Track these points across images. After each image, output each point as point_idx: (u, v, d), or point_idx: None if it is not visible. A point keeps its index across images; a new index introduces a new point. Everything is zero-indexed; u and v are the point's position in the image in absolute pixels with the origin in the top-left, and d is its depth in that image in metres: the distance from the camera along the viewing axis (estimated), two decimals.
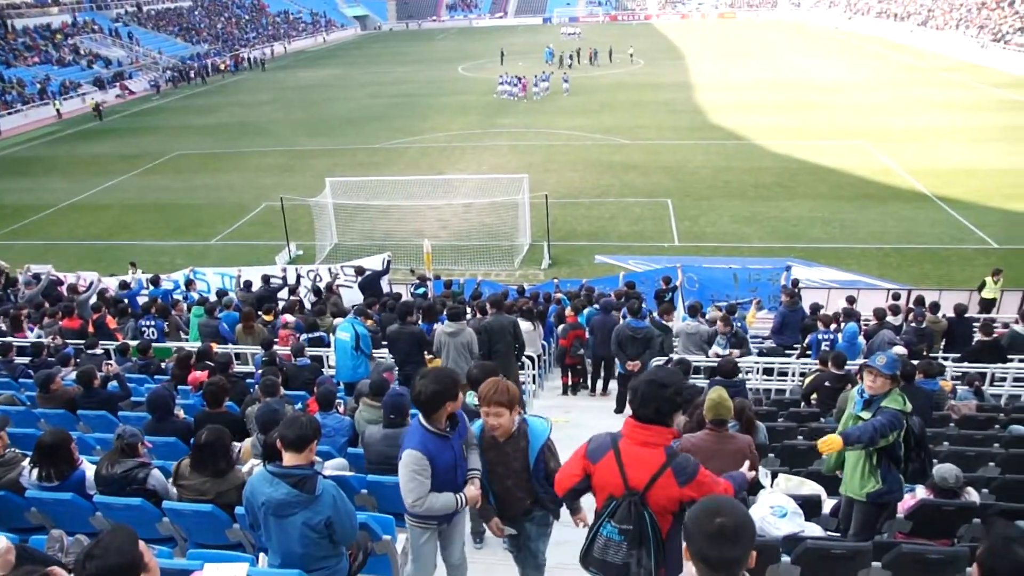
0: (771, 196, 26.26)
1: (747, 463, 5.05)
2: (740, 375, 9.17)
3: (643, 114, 40.45)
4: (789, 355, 12.41)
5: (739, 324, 12.03)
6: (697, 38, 75.18)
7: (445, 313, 9.59)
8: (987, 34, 56.92)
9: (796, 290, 14.59)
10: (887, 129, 34.95)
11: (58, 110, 48.40)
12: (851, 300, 14.21)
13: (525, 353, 10.93)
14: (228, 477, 5.53)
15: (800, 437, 7.95)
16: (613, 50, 61.38)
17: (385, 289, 15.93)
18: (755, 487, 6.12)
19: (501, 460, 4.75)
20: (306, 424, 4.43)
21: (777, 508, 5.39)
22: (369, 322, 10.85)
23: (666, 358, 11.01)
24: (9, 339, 11.05)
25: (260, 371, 9.11)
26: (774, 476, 6.59)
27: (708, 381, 9.64)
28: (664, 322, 11.36)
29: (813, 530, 5.43)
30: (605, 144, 34.47)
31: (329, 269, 16.70)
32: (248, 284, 15.66)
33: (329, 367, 10.96)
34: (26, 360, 10.43)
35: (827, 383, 9.15)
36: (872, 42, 67.61)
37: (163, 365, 10.44)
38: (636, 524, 3.65)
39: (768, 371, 11.57)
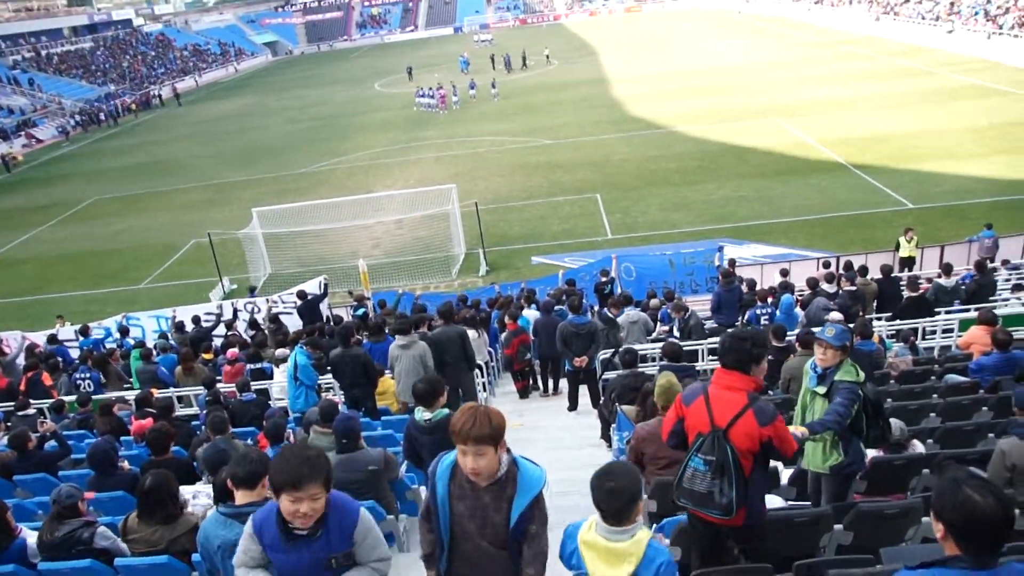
0: (696, 180, 26.80)
1: (799, 429, 5.15)
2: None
3: (562, 113, 40.87)
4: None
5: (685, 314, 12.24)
6: (606, 34, 76.37)
7: (391, 329, 9.52)
8: (878, 7, 59.20)
9: (732, 269, 14.89)
10: (797, 104, 36.07)
11: None
12: (784, 273, 14.60)
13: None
14: (179, 522, 5.37)
15: None
16: (527, 53, 61.76)
17: (324, 313, 15.73)
18: None
19: (478, 512, 3.62)
20: (256, 460, 4.34)
21: None
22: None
23: (612, 350, 11.12)
24: None
25: (205, 411, 8.91)
26: None
27: (657, 368, 9.78)
28: (611, 315, 11.45)
29: (774, 502, 5.52)
30: (529, 146, 34.70)
31: (266, 299, 16.42)
32: (181, 325, 15.29)
33: (276, 399, 10.77)
34: None
35: (769, 356, 9.34)
36: (773, 23, 69.78)
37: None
38: (718, 455, 4.20)
39: (713, 351, 11.78)
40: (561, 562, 3.75)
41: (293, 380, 9.62)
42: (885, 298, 12.91)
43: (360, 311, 14.83)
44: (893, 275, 13.46)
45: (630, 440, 6.40)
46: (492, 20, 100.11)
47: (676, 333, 11.78)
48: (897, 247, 16.89)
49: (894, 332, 11.16)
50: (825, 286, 12.53)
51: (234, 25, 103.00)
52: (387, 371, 10.24)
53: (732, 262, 16.12)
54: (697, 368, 10.69)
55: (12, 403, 10.24)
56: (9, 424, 9.45)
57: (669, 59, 54.85)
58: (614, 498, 3.45)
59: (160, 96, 69.08)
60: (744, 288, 13.80)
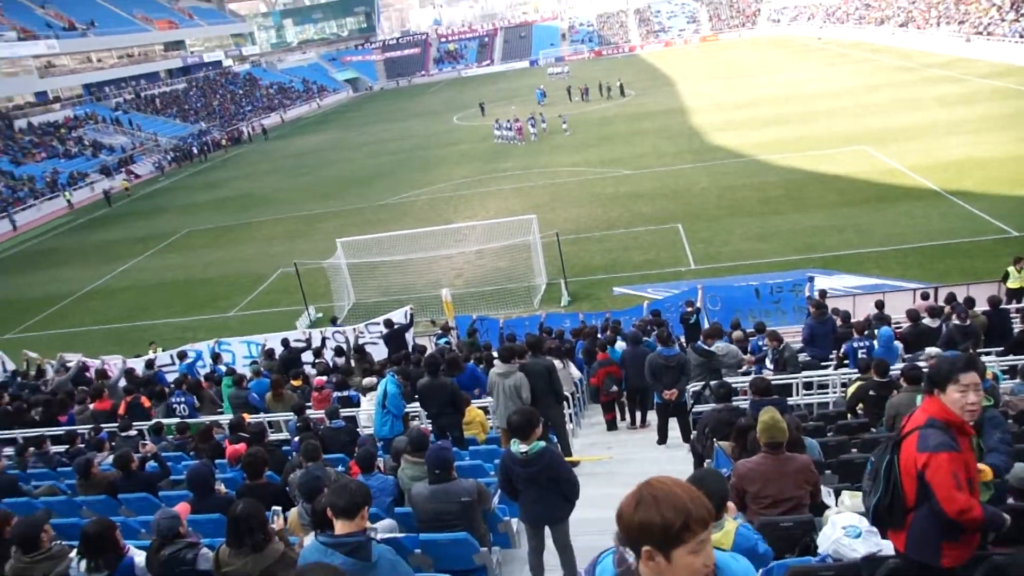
0: (781, 210, 26.19)
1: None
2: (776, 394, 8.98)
3: (641, 143, 40.66)
4: (825, 367, 12.19)
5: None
6: (683, 64, 75.96)
7: (498, 354, 9.51)
8: (969, 28, 57.24)
9: (823, 300, 14.39)
10: (886, 130, 34.97)
11: (69, 201, 49.17)
12: (879, 304, 14.01)
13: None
14: (267, 551, 5.39)
15: (855, 450, 7.71)
16: (602, 84, 61.86)
17: (409, 342, 15.86)
18: (820, 507, 5.92)
19: None
20: (356, 490, 4.32)
21: (850, 528, 5.16)
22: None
23: (702, 383, 10.84)
24: (43, 431, 11.01)
25: (296, 437, 9.03)
26: (837, 494, 6.36)
27: (749, 402, 9.46)
28: (706, 347, 11.14)
29: (891, 548, 5.20)
30: (608, 177, 34.59)
31: (353, 329, 16.67)
32: (271, 352, 15.63)
33: (363, 427, 10.84)
34: (61, 449, 10.38)
35: (872, 392, 8.94)
36: (855, 48, 68.14)
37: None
38: (879, 459, 4.27)
39: (807, 385, 11.36)
40: None
41: (381, 408, 9.67)
42: (994, 332, 12.24)
43: (443, 340, 14.90)
44: (1002, 307, 12.76)
45: (730, 477, 6.17)
46: (567, 52, 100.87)
47: (770, 365, 11.40)
48: (1005, 277, 16.03)
49: (1007, 368, 10.54)
50: (928, 320, 11.95)
51: (316, 63, 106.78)
52: (474, 400, 10.25)
53: (823, 293, 15.58)
54: (790, 403, 10.34)
55: (116, 424, 10.60)
56: (113, 444, 9.76)
57: (748, 88, 54.08)
58: (708, 499, 3.42)
59: (249, 132, 71.77)
60: (838, 320, 13.31)
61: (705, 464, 7.83)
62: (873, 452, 4.35)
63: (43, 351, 19.12)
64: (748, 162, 33.49)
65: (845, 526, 5.31)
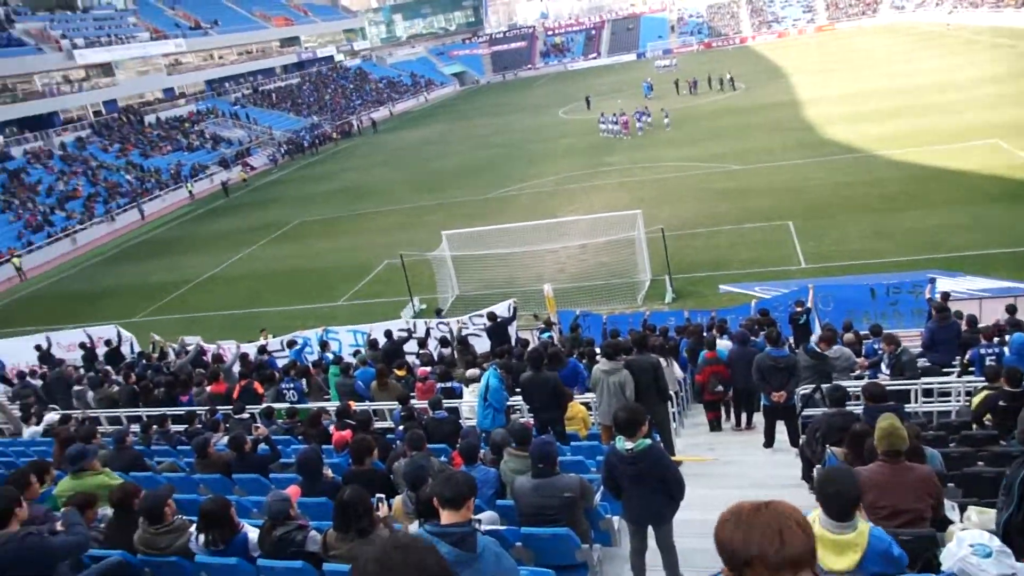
0: (900, 207, 24.90)
1: None
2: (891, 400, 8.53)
3: (751, 137, 39.49)
4: (947, 373, 11.50)
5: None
6: (797, 55, 73.31)
7: (603, 350, 9.44)
8: None
9: (946, 303, 13.58)
10: (1022, 122, 32.65)
11: (190, 192, 51.95)
12: (1011, 309, 13.11)
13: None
14: (372, 537, 5.48)
15: (981, 463, 7.23)
16: (711, 77, 60.32)
17: (512, 334, 15.91)
18: (943, 522, 5.58)
19: None
20: (462, 481, 4.33)
21: (979, 547, 4.82)
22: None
23: (813, 386, 10.44)
24: (165, 410, 11.62)
25: (401, 426, 9.18)
26: (963, 509, 5.97)
27: (863, 408, 9.03)
28: (819, 350, 10.71)
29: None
30: (716, 171, 33.78)
31: (457, 320, 16.86)
32: (375, 342, 15.94)
33: (465, 419, 10.94)
34: (181, 428, 10.92)
35: (1002, 402, 8.36)
36: (987, 33, 63.94)
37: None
38: (1014, 473, 4.32)
39: (927, 392, 10.75)
40: None
41: (483, 401, 9.72)
42: None
43: (546, 334, 14.87)
44: None
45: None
46: (675, 45, 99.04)
47: (886, 370, 10.84)
48: None
49: None
50: None
51: (424, 58, 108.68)
52: (576, 396, 10.18)
53: (945, 295, 14.68)
54: (908, 410, 9.81)
55: (231, 407, 11.08)
56: (227, 426, 10.20)
57: (867, 79, 51.63)
58: (838, 500, 4.03)
59: (359, 125, 73.79)
60: (963, 324, 12.53)
61: (814, 471, 7.52)
62: (1009, 466, 4.04)
63: (165, 334, 20.24)
64: (865, 157, 32.01)
65: (973, 544, 4.96)
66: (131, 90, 66.27)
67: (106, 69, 63.06)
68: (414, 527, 5.55)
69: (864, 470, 5.59)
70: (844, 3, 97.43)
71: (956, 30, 70.73)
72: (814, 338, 14.00)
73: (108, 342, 17.99)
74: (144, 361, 16.85)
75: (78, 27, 61.54)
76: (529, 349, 12.16)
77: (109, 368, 15.53)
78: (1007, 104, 36.70)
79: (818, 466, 7.50)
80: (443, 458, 8.07)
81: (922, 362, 12.27)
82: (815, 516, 4.16)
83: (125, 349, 18.19)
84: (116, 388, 13.21)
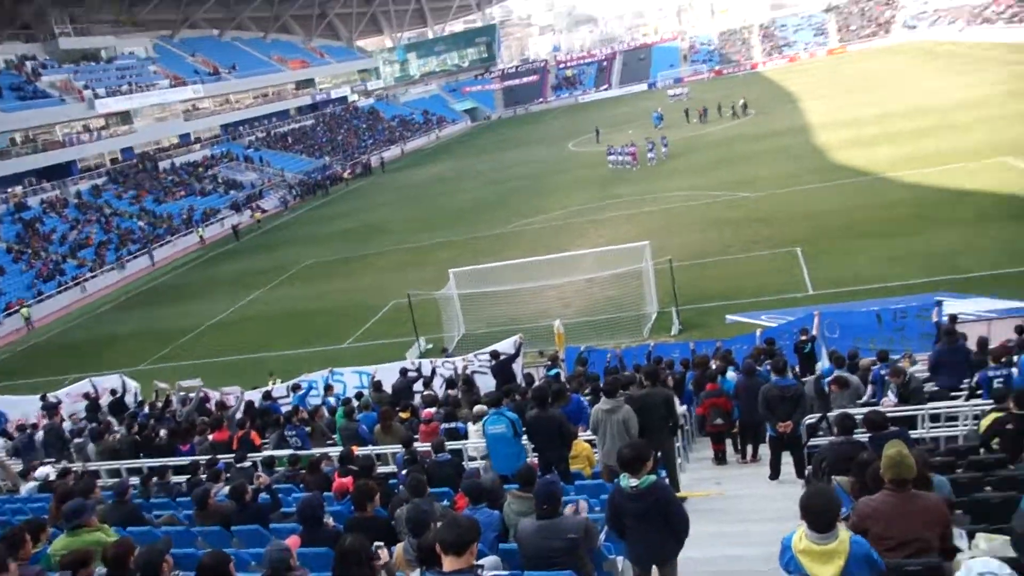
0: (911, 230, 24.74)
1: None
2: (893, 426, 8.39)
3: (760, 164, 39.51)
4: (955, 397, 11.31)
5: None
6: (808, 79, 73.46)
7: (603, 388, 9.35)
8: None
9: (953, 326, 13.40)
10: None
11: (201, 236, 52.42)
12: (1020, 330, 12.92)
13: None
14: None
15: (989, 489, 7.07)
16: (722, 104, 60.49)
17: (517, 372, 15.82)
18: (951, 550, 5.45)
19: None
20: (465, 526, 4.29)
21: (988, 575, 4.70)
22: None
23: (819, 415, 10.31)
24: (166, 460, 11.59)
25: (404, 471, 9.10)
26: (971, 536, 5.84)
27: (868, 437, 8.88)
28: (833, 392, 10.62)
29: None
30: (725, 200, 33.78)
31: (462, 359, 16.79)
32: (379, 384, 15.84)
33: (468, 459, 10.85)
34: (183, 479, 10.87)
35: (1010, 425, 8.19)
36: (998, 49, 63.71)
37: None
38: None
39: (934, 417, 10.56)
40: (781, 568, 4.83)
41: (514, 438, 9.55)
42: None
43: (553, 371, 14.78)
44: None
45: (850, 516, 5.78)
46: (686, 73, 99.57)
47: (893, 399, 10.67)
48: None
49: None
50: None
51: (437, 95, 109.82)
52: (582, 433, 10.06)
53: (953, 318, 14.49)
54: (915, 436, 9.64)
55: (232, 455, 11.03)
56: (228, 475, 10.14)
57: (878, 101, 51.55)
58: (822, 516, 4.60)
59: (369, 164, 74.47)
60: (974, 347, 12.35)
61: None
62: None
63: (172, 382, 20.25)
64: (875, 180, 31.92)
65: (982, 572, 4.83)
66: (148, 137, 67.08)
67: (124, 117, 64.04)
68: (415, 575, 5.48)
69: (871, 500, 5.52)
70: (856, 25, 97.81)
71: (970, 48, 70.44)
72: (820, 366, 13.92)
73: (113, 391, 18.01)
74: (147, 410, 16.87)
75: (100, 77, 62.62)
76: (533, 387, 12.07)
77: (112, 419, 15.53)
78: (1016, 121, 36.52)
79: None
80: (445, 502, 7.97)
81: (929, 386, 12.10)
82: (800, 532, 4.70)
83: (129, 399, 18.16)
84: (118, 438, 13.21)
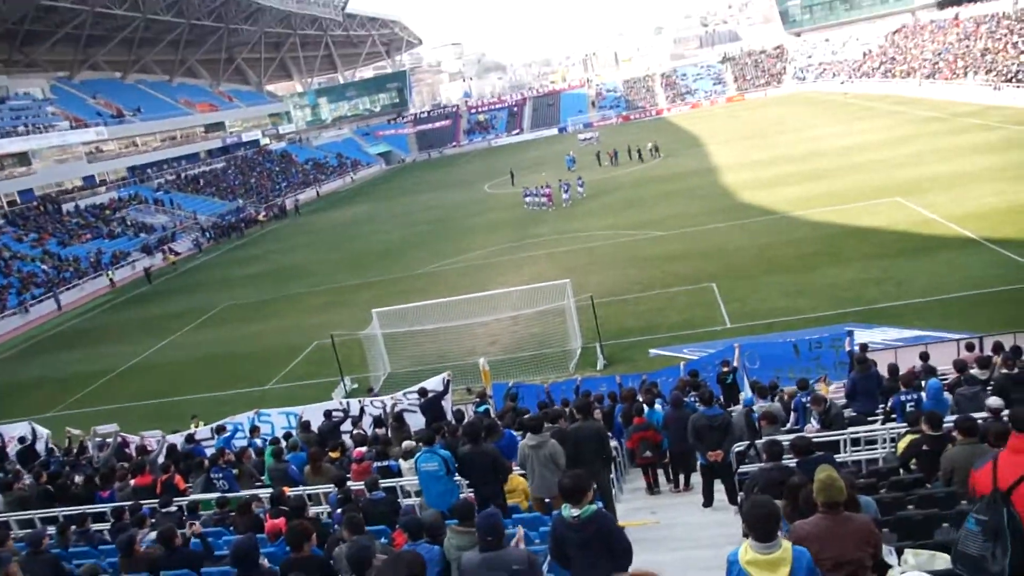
0: (817, 264, 25.98)
1: None
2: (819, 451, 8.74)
3: (672, 204, 40.86)
4: (872, 421, 11.88)
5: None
6: (710, 124, 76.74)
7: (528, 424, 9.40)
8: (996, 77, 57.17)
9: (864, 354, 14.11)
10: (918, 181, 34.76)
11: (111, 279, 50.40)
12: (924, 356, 13.71)
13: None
14: None
15: (912, 507, 7.46)
16: (631, 148, 62.38)
17: (447, 409, 15.77)
18: (881, 566, 5.70)
19: None
20: (411, 561, 4.29)
21: None
22: None
23: (747, 443, 10.63)
24: (84, 508, 11.05)
25: (339, 509, 8.95)
26: (899, 553, 6.12)
27: (796, 462, 9.23)
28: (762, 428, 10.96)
29: None
30: (641, 239, 34.71)
31: (391, 397, 16.64)
32: (307, 424, 15.56)
33: (403, 497, 10.73)
34: (106, 525, 10.40)
35: (925, 446, 8.66)
36: (884, 101, 68.26)
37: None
38: (992, 517, 4.32)
39: (855, 441, 11.05)
40: None
41: (447, 476, 9.51)
42: None
43: (482, 408, 14.80)
44: None
45: (787, 537, 5.96)
46: (595, 119, 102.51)
47: (816, 425, 11.12)
48: None
49: None
50: (976, 371, 11.62)
51: (350, 139, 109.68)
52: (515, 468, 10.09)
53: (864, 346, 15.26)
54: (838, 459, 10.06)
55: (156, 500, 10.62)
56: (154, 521, 9.75)
57: (777, 145, 54.34)
58: (765, 520, 4.77)
59: (284, 207, 73.47)
60: (885, 373, 13.02)
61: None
62: (974, 511, 4.42)
63: (84, 428, 19.36)
64: (781, 218, 33.43)
65: None
66: (49, 178, 64.57)
67: (22, 158, 61.50)
68: None
69: (805, 524, 5.64)
70: (751, 75, 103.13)
71: (854, 98, 75.31)
72: (743, 396, 14.39)
73: (23, 439, 17.09)
74: (63, 457, 16.06)
75: None
76: (464, 423, 12.07)
77: (20, 468, 14.71)
78: (904, 165, 39.05)
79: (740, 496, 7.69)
80: (383, 540, 7.89)
81: (847, 412, 12.67)
82: (745, 546, 4.83)
83: (39, 446, 17.28)
84: (26, 487, 12.52)
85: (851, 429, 11.05)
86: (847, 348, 15.84)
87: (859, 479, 8.98)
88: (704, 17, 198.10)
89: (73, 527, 10.04)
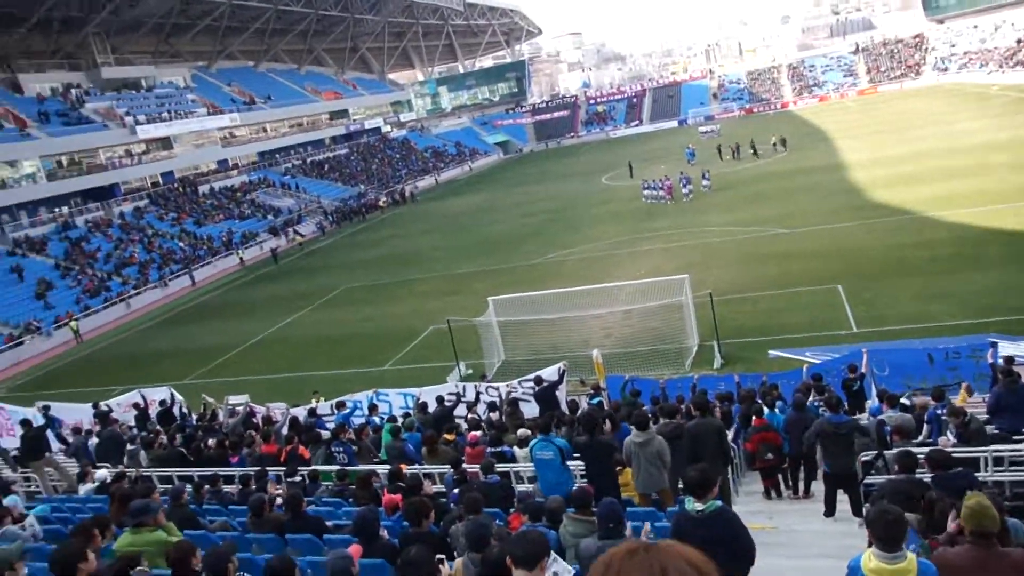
0: (954, 269, 24.46)
1: None
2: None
3: (796, 201, 39.40)
4: (1018, 440, 11.09)
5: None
6: (839, 118, 73.39)
7: (631, 421, 9.31)
8: None
9: (1010, 367, 13.18)
10: None
11: (241, 258, 53.28)
12: None
13: None
14: None
15: None
16: (755, 141, 60.37)
17: (560, 399, 15.81)
18: None
19: None
20: (536, 540, 4.29)
21: None
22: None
23: (874, 452, 10.15)
24: (216, 470, 11.72)
25: (456, 489, 9.13)
26: None
27: (931, 476, 8.74)
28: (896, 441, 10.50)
29: None
30: (762, 236, 33.65)
31: (507, 384, 16.84)
32: (424, 405, 15.98)
33: (516, 483, 10.84)
34: (232, 488, 10.99)
35: None
36: None
37: None
38: None
39: (997, 460, 10.35)
40: None
41: (562, 465, 9.58)
42: None
43: (596, 400, 14.76)
44: None
45: (927, 557, 5.50)
46: (717, 111, 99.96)
47: (952, 439, 10.49)
48: None
49: None
50: None
51: (469, 127, 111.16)
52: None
53: (1009, 359, 14.25)
54: (979, 478, 9.44)
55: (281, 468, 11.15)
56: (279, 488, 10.23)
57: (912, 141, 51.32)
58: (893, 526, 4.69)
59: (403, 194, 75.39)
60: None
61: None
62: None
63: (216, 396, 20.52)
64: (914, 218, 31.66)
65: None
66: (187, 162, 68.77)
67: (165, 143, 65.69)
68: None
69: (955, 554, 5.13)
70: (885, 66, 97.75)
71: (1004, 90, 70.17)
72: (869, 404, 13.73)
73: (163, 402, 18.31)
74: (197, 421, 17.10)
75: (141, 105, 64.43)
76: (579, 414, 12.06)
77: (160, 428, 15.77)
78: None
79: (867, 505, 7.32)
80: (497, 522, 7.98)
81: (989, 428, 11.88)
82: (868, 553, 4.76)
83: (176, 411, 18.47)
84: (164, 446, 13.44)
85: (994, 447, 10.35)
86: (989, 360, 14.83)
87: (1004, 501, 8.42)
88: (835, 5, 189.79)
89: (207, 486, 10.67)
